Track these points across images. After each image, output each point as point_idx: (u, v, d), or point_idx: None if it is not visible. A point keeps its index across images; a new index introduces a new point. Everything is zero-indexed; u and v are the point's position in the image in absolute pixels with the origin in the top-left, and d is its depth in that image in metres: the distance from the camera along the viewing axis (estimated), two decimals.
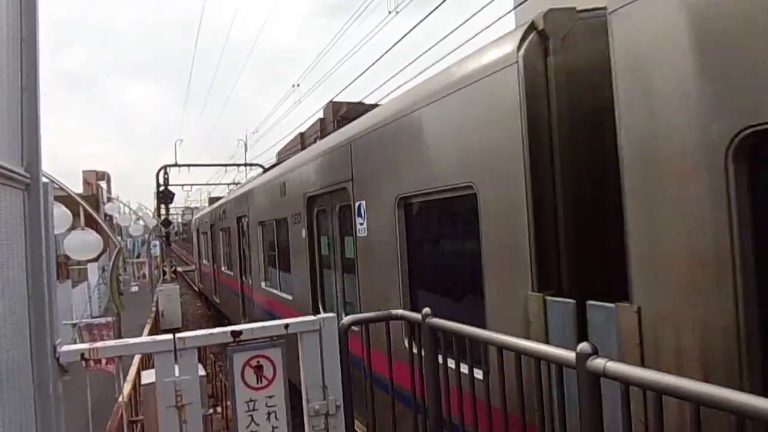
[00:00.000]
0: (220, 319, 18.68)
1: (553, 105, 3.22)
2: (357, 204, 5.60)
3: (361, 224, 5.53)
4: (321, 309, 7.26)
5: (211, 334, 3.16)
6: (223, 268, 17.05)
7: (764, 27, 2.01)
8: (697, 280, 2.33)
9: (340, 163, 6.08)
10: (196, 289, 30.59)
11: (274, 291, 9.95)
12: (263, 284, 10.91)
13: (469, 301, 4.08)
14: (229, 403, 11.21)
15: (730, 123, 2.12)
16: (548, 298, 3.12)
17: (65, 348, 2.85)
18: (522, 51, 3.26)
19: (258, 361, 3.20)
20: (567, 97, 3.21)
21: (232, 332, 3.15)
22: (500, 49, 3.49)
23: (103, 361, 7.87)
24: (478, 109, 3.71)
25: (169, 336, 3.05)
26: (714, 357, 2.26)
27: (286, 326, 3.28)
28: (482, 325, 3.37)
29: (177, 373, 3.04)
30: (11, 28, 2.49)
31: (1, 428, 2.14)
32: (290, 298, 8.79)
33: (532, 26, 3.30)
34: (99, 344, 3.02)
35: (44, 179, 2.76)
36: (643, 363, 2.52)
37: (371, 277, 5.50)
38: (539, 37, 3.26)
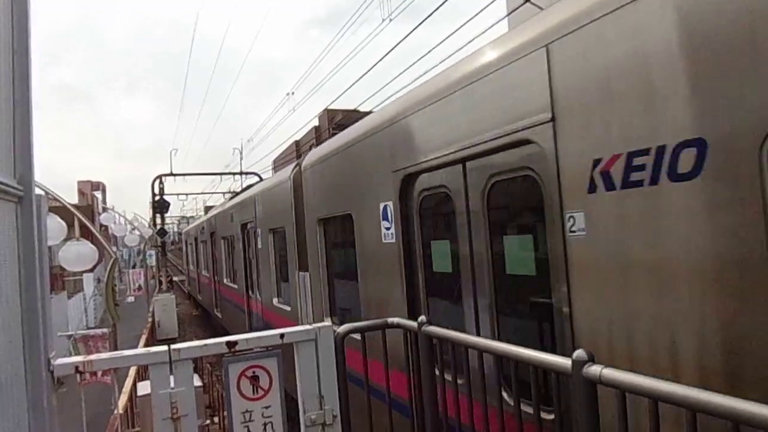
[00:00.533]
0: (207, 317, 22.56)
1: (303, 195, 7.36)
2: (258, 230, 10.36)
3: (259, 241, 10.25)
4: (250, 291, 12.24)
5: (205, 345, 3.14)
6: (203, 272, 21.80)
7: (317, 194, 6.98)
8: (314, 262, 6.99)
9: (252, 208, 10.92)
10: (185, 291, 34.29)
11: (230, 284, 14.93)
12: (225, 280, 15.75)
13: (286, 277, 8.56)
14: (225, 413, 11.15)
15: (317, 215, 6.82)
16: (300, 272, 7.64)
17: (59, 361, 2.83)
18: (292, 174, 7.89)
19: (254, 372, 3.18)
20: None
21: (228, 343, 3.13)
22: (287, 173, 8.23)
23: (99, 373, 7.84)
24: (282, 195, 8.41)
25: (164, 347, 3.03)
26: (318, 288, 6.97)
27: (282, 336, 3.26)
28: (287, 290, 8.72)
29: (172, 385, 3.03)
30: (3, 40, 2.48)
31: None
32: (236, 287, 13.72)
33: (298, 164, 7.76)
34: (93, 357, 2.99)
35: (38, 191, 2.75)
36: (311, 294, 7.27)
37: (265, 269, 10.15)
38: (299, 168, 7.58)
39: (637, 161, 2.50)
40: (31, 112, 2.65)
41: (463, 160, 3.84)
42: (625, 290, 2.60)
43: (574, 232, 2.85)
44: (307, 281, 7.35)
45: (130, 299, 27.67)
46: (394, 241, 4.69)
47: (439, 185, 4.21)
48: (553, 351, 2.98)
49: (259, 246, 10.16)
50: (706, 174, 2.22)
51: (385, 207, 4.81)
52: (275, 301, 9.55)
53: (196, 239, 24.07)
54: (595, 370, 2.16)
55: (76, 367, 2.87)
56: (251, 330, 12.02)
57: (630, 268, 2.57)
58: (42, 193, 2.81)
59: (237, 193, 17.43)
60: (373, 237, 5.08)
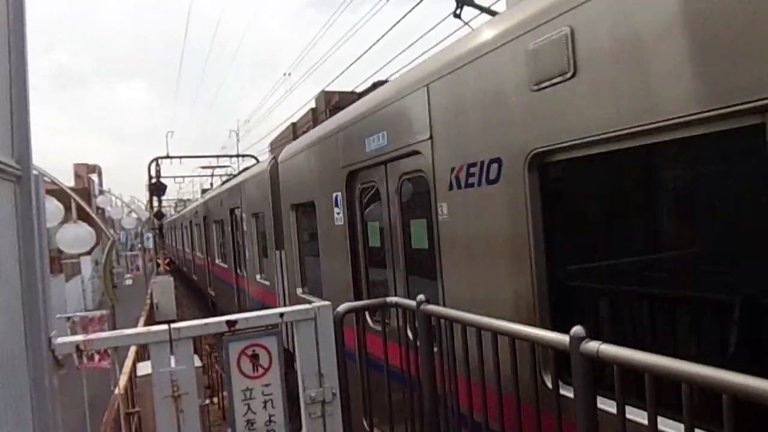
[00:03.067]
0: (195, 288, 27.64)
1: (277, 182, 8.63)
2: (243, 214, 12.25)
3: (244, 224, 12.27)
4: (221, 260, 16.64)
5: (206, 324, 3.16)
6: (186, 249, 29.52)
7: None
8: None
9: (236, 197, 13.01)
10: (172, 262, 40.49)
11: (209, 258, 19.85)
12: (205, 255, 20.93)
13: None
14: (225, 393, 11.25)
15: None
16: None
17: (60, 340, 2.84)
18: (269, 165, 9.16)
19: (254, 350, 3.21)
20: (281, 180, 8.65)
21: (227, 322, 3.15)
22: (265, 164, 9.76)
23: (96, 358, 7.83)
24: (260, 184, 9.83)
25: (164, 326, 3.05)
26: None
27: (281, 315, 3.28)
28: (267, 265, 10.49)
29: (173, 364, 3.05)
30: None
31: None
32: (216, 260, 17.92)
33: (275, 158, 8.96)
34: (94, 336, 3.01)
35: (35, 172, 2.74)
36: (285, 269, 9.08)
37: (249, 245, 12.00)
38: (275, 161, 8.84)
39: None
40: (28, 91, 2.64)
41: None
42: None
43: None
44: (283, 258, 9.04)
45: (128, 281, 27.72)
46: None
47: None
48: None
49: (245, 228, 12.25)
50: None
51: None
52: (257, 276, 11.17)
53: (182, 224, 31.07)
54: (592, 346, 2.18)
55: (77, 346, 2.89)
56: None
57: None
58: (39, 173, 2.80)
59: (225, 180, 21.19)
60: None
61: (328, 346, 3.37)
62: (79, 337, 2.95)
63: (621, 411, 2.15)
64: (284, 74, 28.16)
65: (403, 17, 11.75)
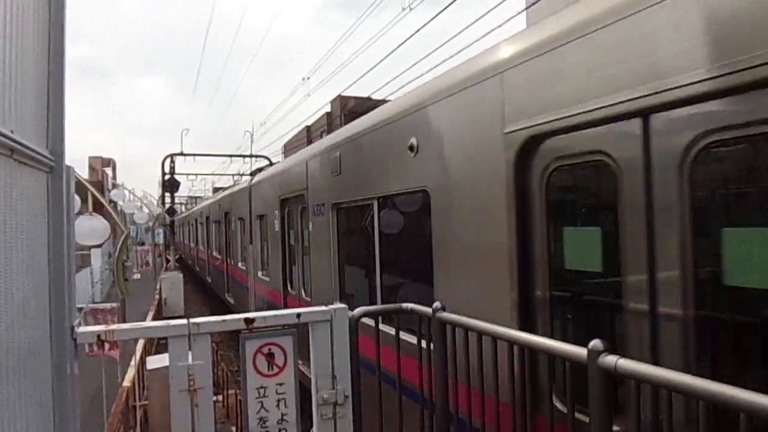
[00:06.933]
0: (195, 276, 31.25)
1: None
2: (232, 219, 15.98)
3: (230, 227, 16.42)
4: (213, 251, 20.73)
5: (224, 321, 3.20)
6: (186, 242, 35.94)
7: None
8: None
9: (224, 207, 17.53)
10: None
11: (200, 248, 24.88)
12: (200, 247, 25.15)
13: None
14: (230, 391, 11.28)
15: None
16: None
17: (82, 329, 2.89)
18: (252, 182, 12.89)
19: (270, 349, 3.25)
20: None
21: (246, 319, 3.19)
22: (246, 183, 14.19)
23: (106, 347, 7.90)
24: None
25: (184, 321, 3.09)
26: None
27: (298, 315, 3.32)
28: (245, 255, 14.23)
29: (190, 359, 3.09)
30: (39, 12, 2.52)
31: (21, 405, 2.18)
32: (203, 248, 23.45)
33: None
34: (114, 327, 3.06)
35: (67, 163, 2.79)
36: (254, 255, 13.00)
37: (234, 242, 15.62)
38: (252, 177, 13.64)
39: None
40: (64, 84, 2.69)
41: None
42: None
43: None
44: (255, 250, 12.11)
45: (137, 276, 27.83)
46: None
47: None
48: None
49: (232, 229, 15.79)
50: None
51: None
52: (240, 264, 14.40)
53: (188, 223, 34.32)
54: (610, 360, 2.19)
55: (98, 336, 2.94)
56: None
57: None
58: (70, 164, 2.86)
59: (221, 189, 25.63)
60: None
61: (342, 348, 3.40)
62: (100, 328, 3.00)
63: (637, 426, 2.16)
64: (303, 78, 28.22)
65: (423, 27, 11.81)
